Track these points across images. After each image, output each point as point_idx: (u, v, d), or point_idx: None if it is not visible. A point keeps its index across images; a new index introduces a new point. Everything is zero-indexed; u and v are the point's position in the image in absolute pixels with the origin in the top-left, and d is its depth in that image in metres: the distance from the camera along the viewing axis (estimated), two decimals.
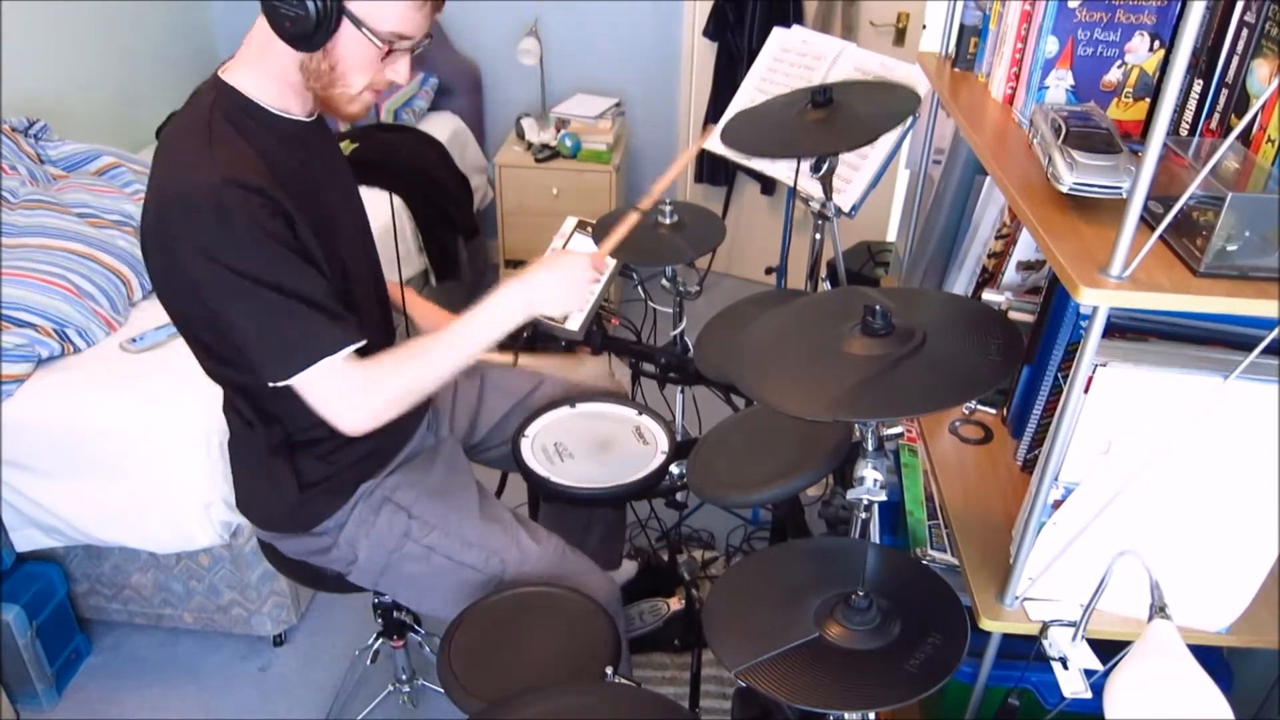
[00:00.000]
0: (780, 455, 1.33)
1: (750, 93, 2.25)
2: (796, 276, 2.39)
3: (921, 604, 1.07)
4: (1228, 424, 1.03)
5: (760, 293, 1.92)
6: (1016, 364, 1.28)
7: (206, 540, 1.99)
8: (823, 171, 1.69)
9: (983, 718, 1.33)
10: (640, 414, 1.74)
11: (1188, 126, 1.16)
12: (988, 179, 1.66)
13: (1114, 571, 1.02)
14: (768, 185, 3.59)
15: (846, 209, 2.00)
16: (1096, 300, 0.94)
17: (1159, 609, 0.97)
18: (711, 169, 3.65)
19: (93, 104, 3.05)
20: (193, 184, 1.16)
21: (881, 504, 1.12)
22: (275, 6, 1.13)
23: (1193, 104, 1.15)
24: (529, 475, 1.60)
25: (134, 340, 2.12)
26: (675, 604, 2.08)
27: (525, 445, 1.65)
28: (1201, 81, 1.13)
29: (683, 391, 2.07)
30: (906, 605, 1.06)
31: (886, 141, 1.94)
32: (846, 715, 1.06)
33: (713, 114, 3.46)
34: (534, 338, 2.00)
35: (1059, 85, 1.32)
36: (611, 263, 1.61)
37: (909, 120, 1.61)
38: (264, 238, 1.17)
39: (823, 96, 1.55)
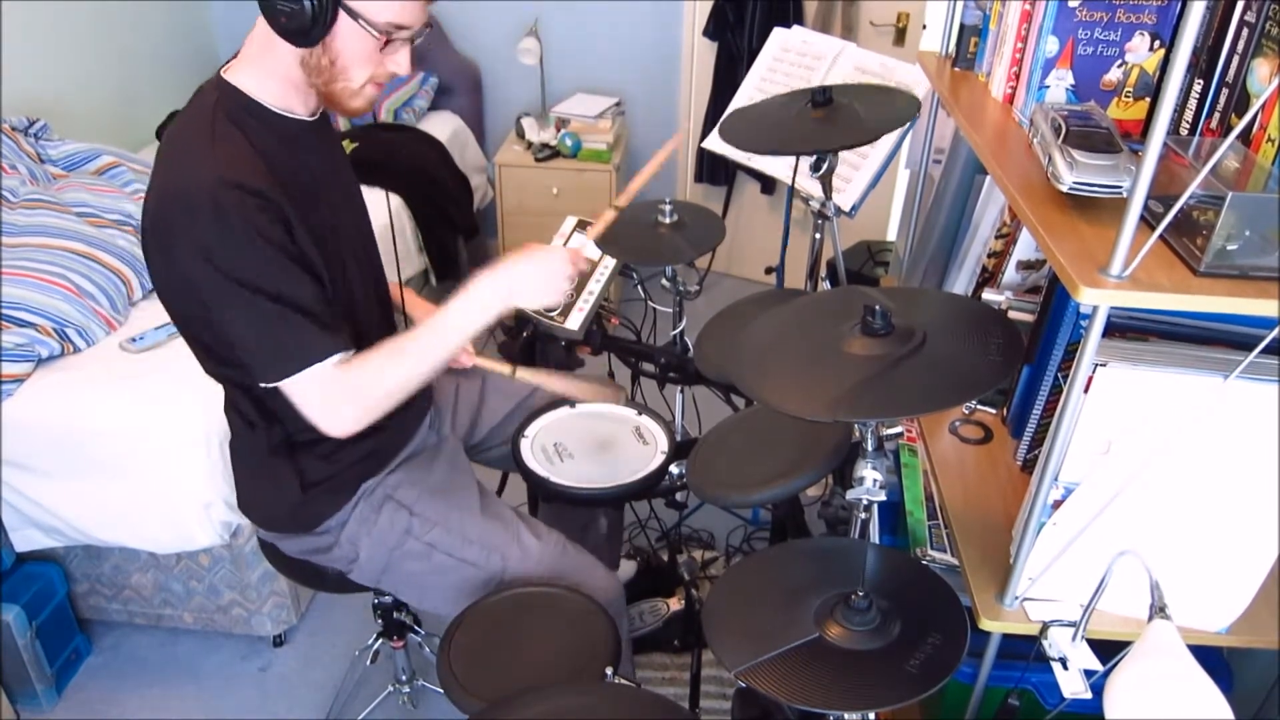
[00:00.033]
0: (780, 455, 1.33)
1: (750, 92, 2.25)
2: (796, 276, 2.38)
3: (921, 604, 1.07)
4: (1228, 424, 1.03)
5: (760, 292, 1.92)
6: (1016, 364, 1.28)
7: (206, 540, 1.98)
8: (822, 171, 1.68)
9: (983, 718, 1.33)
10: (640, 414, 1.74)
11: (1188, 126, 1.16)
12: (988, 178, 1.66)
13: (1114, 571, 1.02)
14: (768, 185, 3.59)
15: (846, 208, 2.00)
16: (1096, 300, 0.94)
17: (1159, 609, 0.97)
18: (711, 168, 3.65)
19: (93, 104, 3.05)
20: (192, 183, 1.16)
21: (881, 504, 1.12)
22: (271, 3, 1.13)
23: (1193, 103, 1.15)
24: (529, 475, 1.60)
25: (134, 340, 2.12)
26: (675, 604, 2.08)
27: (525, 445, 1.65)
28: (1201, 81, 1.13)
29: (683, 391, 2.07)
30: (906, 605, 1.06)
31: (886, 141, 1.94)
32: (846, 715, 1.06)
33: (712, 114, 3.46)
34: (534, 337, 1.99)
35: (1059, 85, 1.32)
36: (597, 255, 1.58)
37: (909, 121, 1.61)
38: (260, 241, 1.17)
39: (823, 96, 1.55)
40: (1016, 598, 1.19)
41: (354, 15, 1.17)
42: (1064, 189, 1.05)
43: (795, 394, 0.98)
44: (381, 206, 2.44)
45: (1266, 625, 1.18)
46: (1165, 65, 1.26)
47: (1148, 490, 1.08)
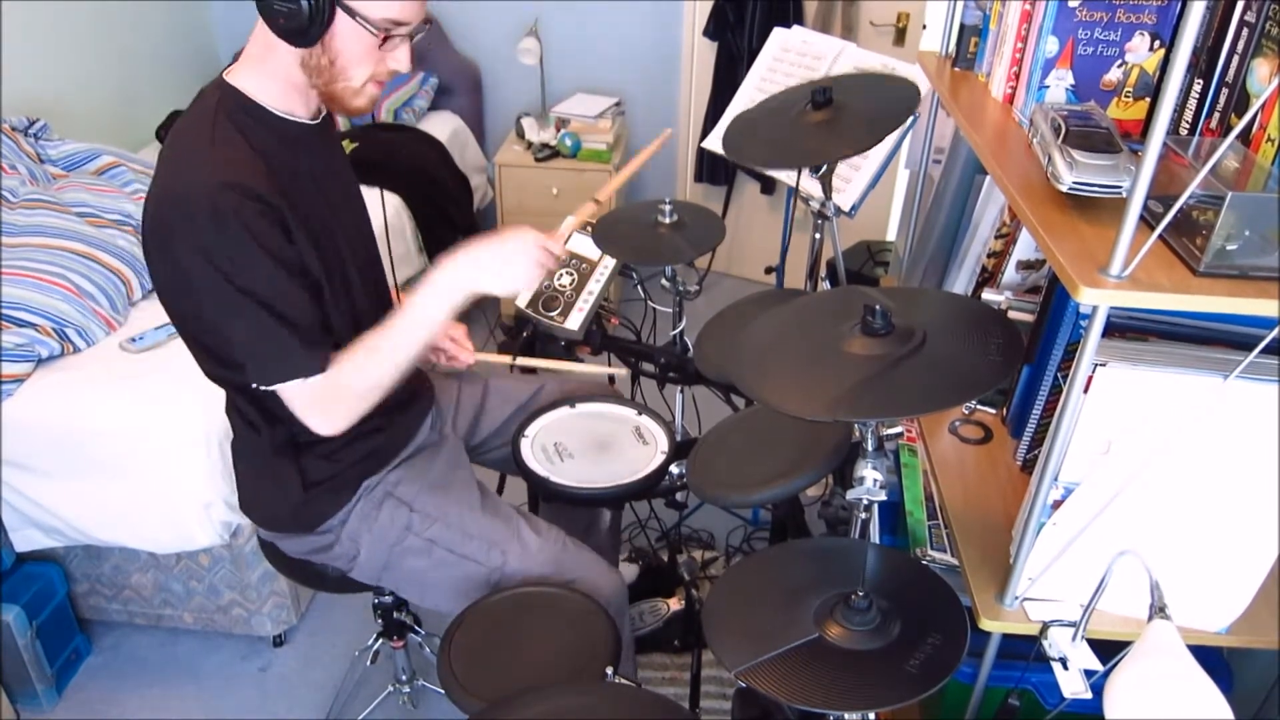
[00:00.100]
0: (780, 455, 1.33)
1: (750, 93, 2.25)
2: (796, 276, 2.38)
3: (921, 604, 1.07)
4: (1228, 424, 1.03)
5: (760, 292, 1.91)
6: (1016, 364, 1.28)
7: (206, 540, 1.98)
8: (822, 171, 1.68)
9: (983, 718, 1.33)
10: (640, 414, 1.74)
11: (1188, 126, 1.16)
12: (988, 178, 1.66)
13: (1114, 571, 1.02)
14: (767, 185, 3.59)
15: (846, 208, 2.00)
16: (1096, 300, 0.94)
17: (1159, 609, 0.97)
18: (711, 168, 3.65)
19: (93, 104, 3.05)
20: (192, 186, 1.16)
21: (881, 504, 1.12)
22: (269, 4, 1.14)
23: (1193, 103, 1.15)
24: (529, 475, 1.60)
25: (134, 340, 2.12)
26: (675, 604, 2.08)
27: (525, 445, 1.65)
28: (1201, 81, 1.13)
29: (682, 391, 2.07)
30: (906, 605, 1.06)
31: (886, 141, 1.94)
32: (846, 715, 1.06)
33: (712, 114, 3.47)
34: (534, 337, 1.99)
35: (1059, 85, 1.32)
36: (577, 242, 1.55)
37: (909, 120, 1.61)
38: (256, 246, 1.18)
39: (822, 97, 1.55)
40: (1016, 598, 1.19)
41: (351, 13, 1.17)
42: (1064, 189, 1.05)
43: (795, 394, 0.98)
44: (380, 207, 2.44)
45: (1266, 625, 1.18)
46: (1165, 65, 1.26)
47: (1148, 490, 1.08)
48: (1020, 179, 1.17)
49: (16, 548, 2.06)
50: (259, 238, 1.18)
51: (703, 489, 1.36)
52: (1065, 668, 1.10)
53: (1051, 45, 1.29)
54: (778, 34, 2.28)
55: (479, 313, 3.33)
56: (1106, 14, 1.26)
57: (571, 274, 1.97)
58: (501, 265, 1.31)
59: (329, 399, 1.27)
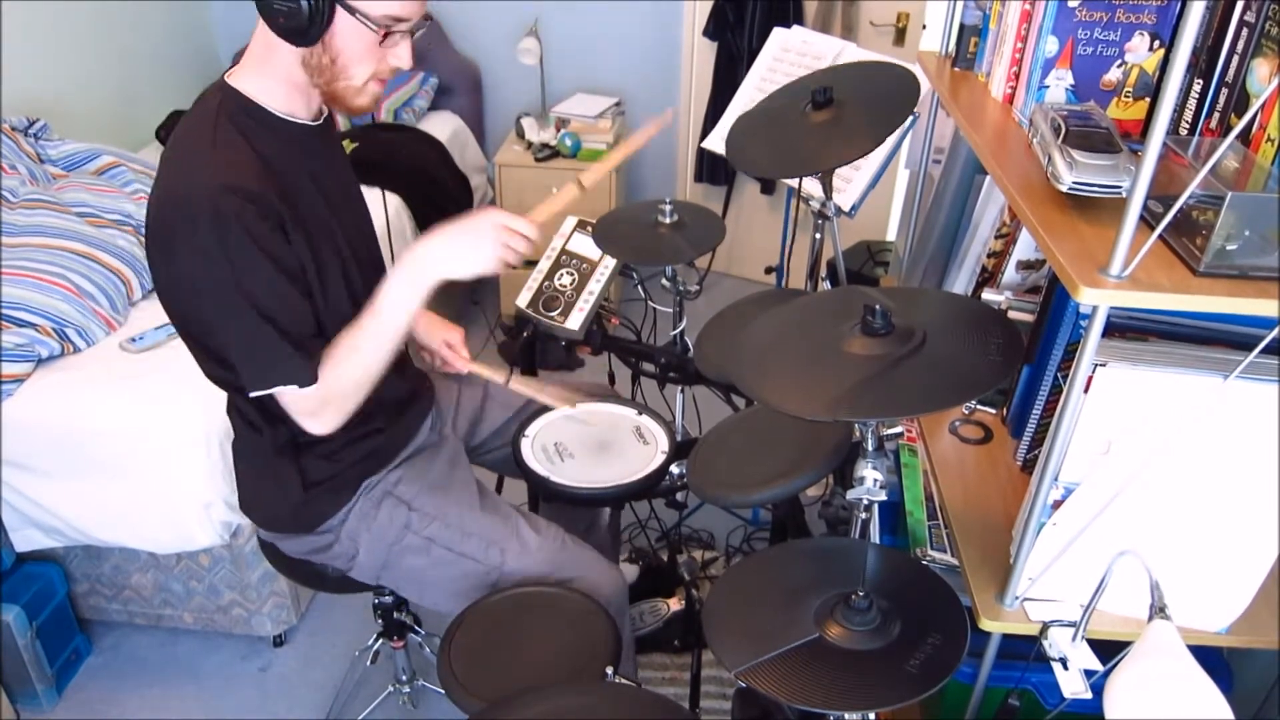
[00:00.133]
0: (780, 455, 1.33)
1: (750, 93, 2.25)
2: (796, 276, 2.39)
3: (921, 604, 1.07)
4: (1228, 424, 1.03)
5: (760, 292, 1.92)
6: (1016, 364, 1.28)
7: (206, 540, 1.99)
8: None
9: (983, 718, 1.33)
10: (640, 414, 1.74)
11: (1188, 126, 1.16)
12: (988, 178, 1.66)
13: (1114, 571, 1.02)
14: (767, 185, 3.59)
15: (846, 208, 2.00)
16: (1096, 300, 0.94)
17: (1159, 609, 0.97)
18: (711, 168, 3.65)
19: (93, 104, 3.05)
20: (193, 188, 1.17)
21: (881, 504, 1.12)
22: (269, 3, 1.14)
23: (1193, 103, 1.15)
24: (529, 475, 1.60)
25: (134, 340, 2.12)
26: (675, 604, 2.08)
27: (525, 445, 1.65)
28: (1201, 81, 1.13)
29: (683, 391, 2.07)
30: (906, 605, 1.06)
31: (887, 141, 1.94)
32: (846, 715, 1.06)
33: (712, 114, 3.47)
34: (534, 337, 1.99)
35: (1059, 85, 1.32)
36: (545, 224, 1.51)
37: (909, 120, 1.61)
38: (256, 250, 1.18)
39: (823, 97, 1.55)
40: (1016, 598, 1.19)
41: (351, 10, 1.17)
42: (1064, 189, 1.05)
43: (795, 394, 0.98)
44: (381, 207, 2.43)
45: (1266, 625, 1.18)
46: (1165, 65, 1.26)
47: (1148, 490, 1.08)
48: (1020, 179, 1.17)
49: (16, 548, 2.06)
50: (259, 241, 1.18)
51: (703, 489, 1.36)
52: (1065, 668, 1.10)
53: (1051, 45, 1.29)
54: (778, 34, 2.28)
55: (479, 313, 3.34)
56: (1106, 14, 1.26)
57: (572, 274, 1.97)
58: (464, 248, 1.31)
59: (316, 403, 1.29)
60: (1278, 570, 1.16)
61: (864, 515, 1.15)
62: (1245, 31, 1.06)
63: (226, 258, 1.17)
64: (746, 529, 2.53)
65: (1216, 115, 1.11)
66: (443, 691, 1.30)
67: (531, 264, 2.04)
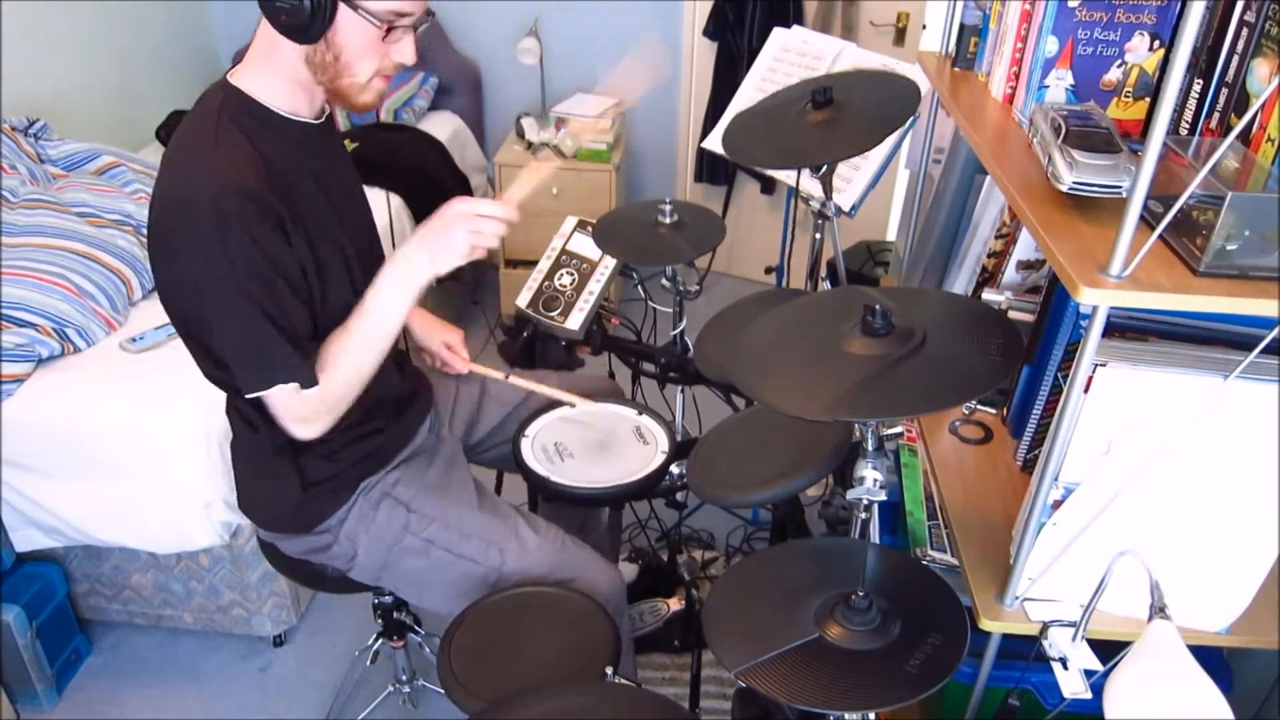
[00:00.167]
0: (780, 455, 1.33)
1: (750, 92, 2.25)
2: (796, 276, 2.39)
3: (921, 604, 1.07)
4: (1228, 424, 1.03)
5: (760, 292, 1.92)
6: (1016, 364, 1.28)
7: (206, 540, 1.98)
8: (823, 171, 1.68)
9: (983, 718, 1.33)
10: (640, 414, 1.74)
11: (1188, 126, 1.16)
12: (988, 178, 1.66)
13: (1114, 571, 1.02)
14: (767, 184, 3.59)
15: (846, 208, 2.00)
16: (1096, 300, 0.94)
17: (1159, 609, 0.97)
18: (711, 168, 3.65)
19: (93, 104, 3.05)
20: (195, 187, 1.17)
21: (881, 504, 1.12)
22: (270, 1, 1.14)
23: (1193, 103, 1.15)
24: (529, 475, 1.60)
25: (134, 340, 2.12)
26: (675, 604, 2.08)
27: (525, 445, 1.65)
28: (1201, 81, 1.13)
29: (683, 391, 2.07)
30: (906, 605, 1.06)
31: (886, 141, 1.94)
32: (846, 715, 1.06)
33: (712, 114, 3.47)
34: (534, 337, 1.99)
35: (1059, 84, 1.32)
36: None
37: (909, 120, 1.61)
38: (256, 251, 1.18)
39: (823, 97, 1.55)
40: (1016, 598, 1.19)
41: (354, 6, 1.17)
42: (1064, 189, 1.05)
43: (795, 394, 0.98)
44: (382, 206, 2.43)
45: (1266, 625, 1.18)
46: (1165, 65, 1.26)
47: (1148, 490, 1.08)
48: (1020, 179, 1.17)
49: (16, 548, 2.06)
50: (260, 242, 1.18)
51: (703, 489, 1.36)
52: (1065, 668, 1.10)
53: (1051, 45, 1.29)
54: (778, 34, 2.28)
55: (479, 313, 3.34)
56: (1106, 14, 1.26)
57: (572, 274, 1.97)
58: (435, 244, 1.31)
59: (308, 407, 1.29)
60: (1278, 570, 1.16)
61: (864, 515, 1.15)
62: (1245, 31, 1.06)
63: (227, 258, 1.17)
64: (746, 529, 2.53)
65: (1216, 115, 1.11)
66: (443, 691, 1.30)
67: (531, 264, 2.04)
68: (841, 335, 1.01)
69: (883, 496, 1.08)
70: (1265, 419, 1.01)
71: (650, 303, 2.07)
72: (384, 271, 1.32)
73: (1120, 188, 1.03)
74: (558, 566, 1.51)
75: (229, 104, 1.24)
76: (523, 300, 1.98)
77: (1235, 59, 1.08)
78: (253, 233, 1.17)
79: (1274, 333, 0.98)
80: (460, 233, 1.30)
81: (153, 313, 2.24)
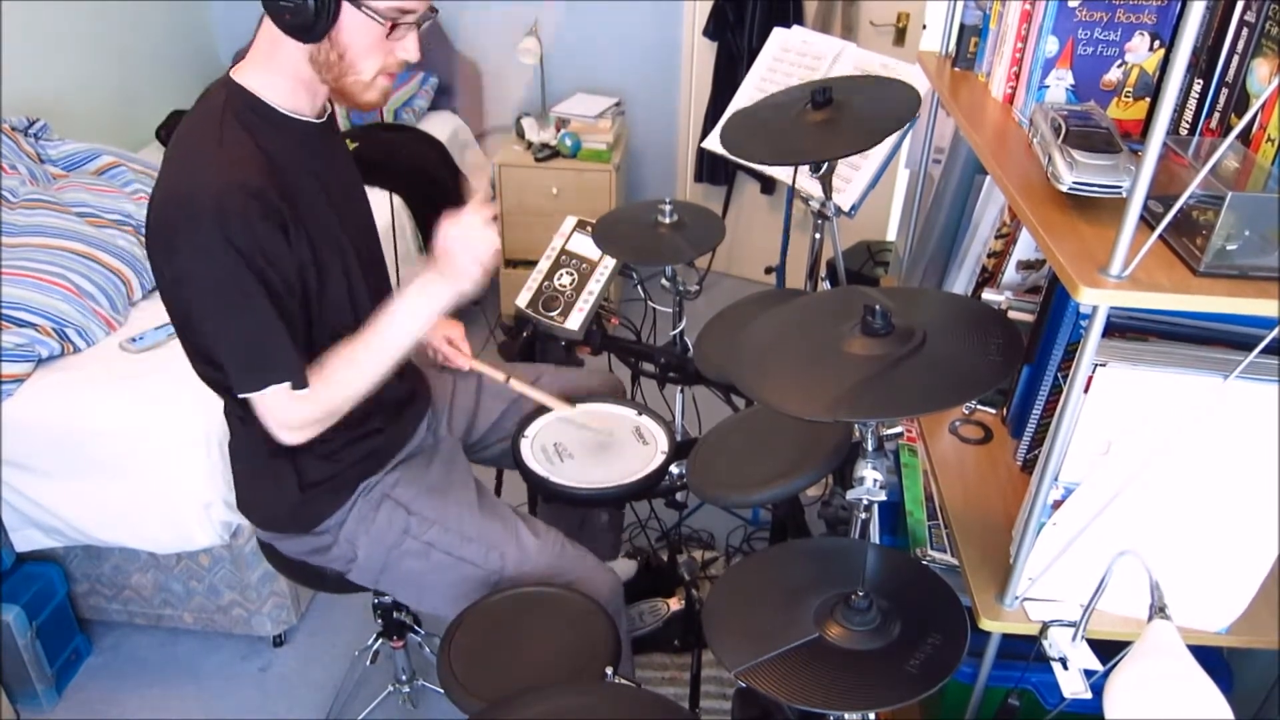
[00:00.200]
0: (780, 455, 1.33)
1: (750, 92, 2.25)
2: (796, 276, 2.38)
3: (921, 604, 1.07)
4: (1228, 424, 1.03)
5: (760, 292, 1.92)
6: (1016, 364, 1.28)
7: (206, 540, 1.98)
8: (822, 171, 1.68)
9: (983, 718, 1.33)
10: (640, 414, 1.74)
11: (1188, 126, 1.16)
12: (988, 178, 1.66)
13: (1114, 571, 1.02)
14: (767, 184, 3.59)
15: (846, 208, 2.00)
16: (1096, 300, 0.94)
17: (1159, 609, 0.97)
18: (711, 168, 3.65)
19: (93, 104, 3.05)
20: (198, 185, 1.16)
21: (881, 504, 1.12)
22: (274, 1, 1.13)
23: (1193, 103, 1.15)
24: (529, 475, 1.60)
25: (134, 340, 2.12)
26: (675, 604, 2.08)
27: (525, 445, 1.65)
28: (1201, 81, 1.13)
29: (683, 391, 2.07)
30: (906, 605, 1.06)
31: (886, 141, 1.94)
32: (846, 715, 1.06)
33: (712, 114, 3.47)
34: (534, 337, 2.00)
35: (1059, 84, 1.32)
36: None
37: (909, 122, 1.61)
38: (256, 249, 1.18)
39: (822, 97, 1.55)
40: (1016, 598, 1.19)
41: (357, 4, 1.17)
42: (1064, 189, 1.05)
43: (795, 394, 0.98)
44: (383, 206, 2.43)
45: (1266, 625, 1.18)
46: (1165, 65, 1.26)
47: (1148, 490, 1.08)
48: (1020, 179, 1.17)
49: (16, 548, 2.06)
50: (261, 241, 1.18)
51: (703, 489, 1.36)
52: (1065, 668, 1.10)
53: (1051, 45, 1.29)
54: (778, 34, 2.28)
55: (478, 312, 3.33)
56: (1106, 14, 1.26)
57: (571, 274, 1.97)
58: (466, 260, 1.31)
59: (301, 411, 1.28)
60: (1278, 570, 1.16)
61: (864, 515, 1.15)
62: (1245, 31, 1.06)
63: (229, 255, 1.16)
64: (746, 529, 2.53)
65: (1216, 115, 1.11)
66: (443, 691, 1.30)
67: (531, 264, 2.04)
68: (841, 335, 1.01)
69: (883, 496, 1.08)
70: (1265, 419, 1.01)
71: (650, 303, 2.07)
72: (405, 293, 1.33)
73: (1120, 188, 1.03)
74: (557, 571, 1.51)
75: (233, 101, 1.23)
76: (522, 300, 1.98)
77: (1235, 59, 1.08)
78: (255, 230, 1.17)
79: (1274, 333, 0.98)
80: (464, 257, 1.31)
81: (153, 313, 2.24)
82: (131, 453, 1.93)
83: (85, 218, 2.32)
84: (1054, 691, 1.36)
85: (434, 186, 3.21)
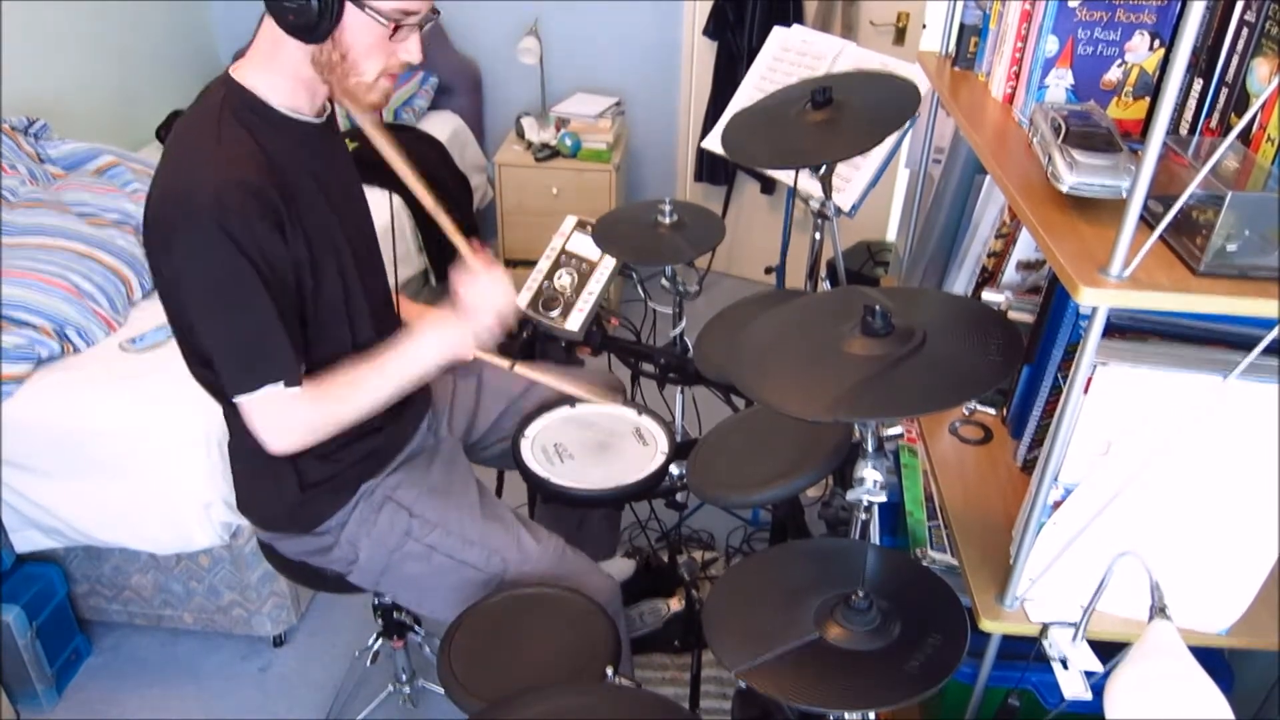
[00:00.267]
0: (780, 455, 1.33)
1: (750, 92, 2.25)
2: (796, 276, 2.38)
3: (921, 604, 1.07)
4: (1228, 424, 1.03)
5: (760, 292, 1.91)
6: (1016, 364, 1.28)
7: (206, 541, 1.98)
8: (822, 171, 1.68)
9: (983, 718, 1.33)
10: (640, 414, 1.74)
11: (1188, 126, 1.16)
12: (988, 178, 1.66)
13: (1114, 572, 1.02)
14: (767, 184, 3.59)
15: (846, 208, 2.00)
16: (1096, 300, 0.94)
17: (1159, 610, 0.97)
18: (711, 168, 3.65)
19: (93, 104, 3.05)
20: (196, 183, 1.16)
21: (881, 504, 1.12)
22: (277, 1, 1.13)
23: (1193, 103, 1.15)
24: (529, 476, 1.60)
25: (134, 340, 2.12)
26: (675, 604, 2.08)
27: (525, 446, 1.65)
28: (1201, 81, 1.13)
29: (683, 391, 2.07)
30: (906, 606, 1.06)
31: (886, 141, 1.94)
32: (846, 715, 1.06)
33: (712, 113, 3.46)
34: (534, 337, 1.99)
35: (1059, 84, 1.32)
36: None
37: (909, 120, 1.61)
38: (255, 250, 1.18)
39: (822, 96, 1.55)
40: (1016, 598, 1.19)
41: (361, 5, 1.17)
42: (1064, 189, 1.05)
43: (795, 394, 0.98)
44: (383, 207, 2.42)
45: (1267, 626, 1.18)
46: (1165, 65, 1.26)
47: (1148, 490, 1.08)
48: (1020, 179, 1.17)
49: (16, 548, 2.06)
50: (259, 239, 1.18)
51: (703, 489, 1.36)
52: (1065, 668, 1.10)
53: (1051, 45, 1.29)
54: (777, 33, 2.28)
55: None
56: (1106, 14, 1.26)
57: (571, 274, 1.97)
58: (488, 319, 1.39)
59: (292, 420, 1.28)
60: (1278, 571, 1.16)
61: (864, 516, 1.15)
62: (1245, 31, 1.06)
63: (227, 252, 1.16)
64: (746, 529, 2.53)
65: (1216, 115, 1.11)
66: (443, 691, 1.30)
67: (531, 264, 2.04)
68: (841, 335, 1.01)
69: (883, 497, 1.08)
70: (1265, 419, 1.01)
71: (650, 303, 2.07)
72: (421, 333, 1.36)
73: (1120, 188, 1.03)
74: (557, 575, 1.51)
75: (231, 99, 1.23)
76: (522, 300, 1.98)
77: (1235, 59, 1.08)
78: (253, 227, 1.17)
79: (1274, 333, 0.98)
80: (484, 311, 1.38)
81: (153, 313, 2.24)
82: (131, 453, 1.93)
83: (85, 218, 2.32)
84: (1054, 692, 1.36)
85: (434, 186, 3.20)
